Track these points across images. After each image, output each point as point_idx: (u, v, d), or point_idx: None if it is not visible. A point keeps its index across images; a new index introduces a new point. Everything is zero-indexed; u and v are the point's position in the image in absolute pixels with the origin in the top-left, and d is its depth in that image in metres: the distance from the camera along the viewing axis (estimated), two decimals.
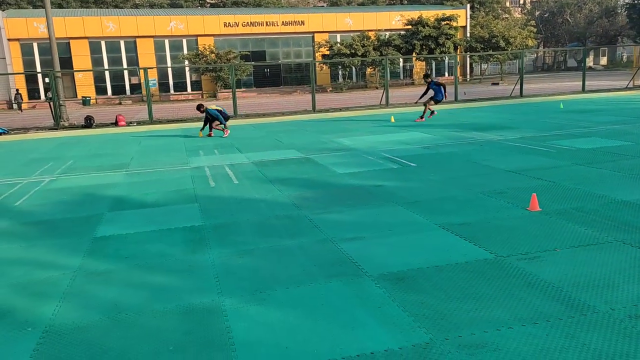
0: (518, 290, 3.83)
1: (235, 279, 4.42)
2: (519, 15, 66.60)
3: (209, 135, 15.19)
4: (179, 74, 45.86)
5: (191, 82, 46.55)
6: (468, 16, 50.87)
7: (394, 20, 49.18)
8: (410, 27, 44.60)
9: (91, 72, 42.24)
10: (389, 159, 9.82)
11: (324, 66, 46.75)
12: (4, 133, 19.60)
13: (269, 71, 48.03)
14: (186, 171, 9.72)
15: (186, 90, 46.04)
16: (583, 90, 24.81)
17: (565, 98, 22.26)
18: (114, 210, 7.03)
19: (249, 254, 5.02)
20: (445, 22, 43.63)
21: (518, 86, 25.24)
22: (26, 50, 41.82)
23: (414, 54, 43.65)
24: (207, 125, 15.18)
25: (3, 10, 44.81)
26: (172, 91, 45.25)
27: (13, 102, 37.26)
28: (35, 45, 41.93)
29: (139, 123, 21.63)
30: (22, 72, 40.08)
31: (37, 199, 7.96)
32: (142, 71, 23.27)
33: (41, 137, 18.16)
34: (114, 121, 21.33)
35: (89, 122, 21.12)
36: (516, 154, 9.46)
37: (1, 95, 41.20)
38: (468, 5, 52.27)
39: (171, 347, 3.34)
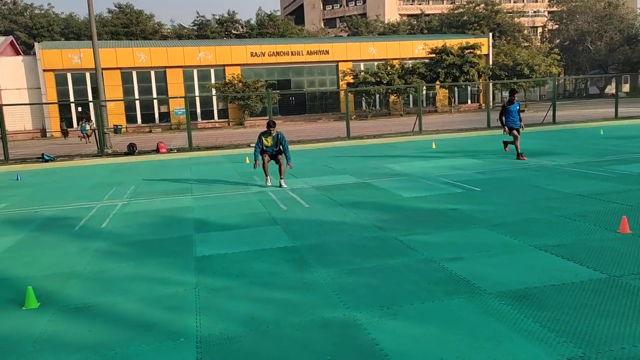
0: None
1: (355, 295, 4.62)
2: (539, 44, 67.12)
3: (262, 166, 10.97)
4: (206, 102, 46.84)
5: (218, 110, 47.48)
6: (490, 44, 51.47)
7: (417, 49, 49.97)
8: (434, 55, 45.25)
9: (122, 102, 43.37)
10: (449, 183, 10.02)
11: (350, 94, 47.36)
12: (51, 160, 20.23)
13: (293, 99, 48.87)
14: (250, 195, 10.01)
15: (213, 118, 46.93)
16: (616, 117, 24.90)
17: (600, 124, 22.35)
18: (201, 232, 7.31)
19: (356, 273, 5.23)
20: (469, 51, 44.21)
21: (550, 113, 25.43)
22: (60, 80, 43.18)
23: (437, 82, 44.17)
24: (264, 156, 10.87)
25: (39, 42, 46.45)
26: (199, 119, 46.14)
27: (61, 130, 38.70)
28: (69, 75, 43.28)
29: (178, 150, 22.16)
30: (72, 101, 41.41)
31: (120, 221, 8.28)
32: (181, 100, 23.88)
33: (88, 164, 18.70)
34: (156, 148, 21.89)
35: (131, 150, 21.71)
36: (577, 179, 9.60)
37: (36, 123, 42.44)
38: (490, 34, 52.91)
39: (328, 357, 3.54)
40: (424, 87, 48.52)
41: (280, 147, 10.81)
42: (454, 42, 46.09)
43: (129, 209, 9.24)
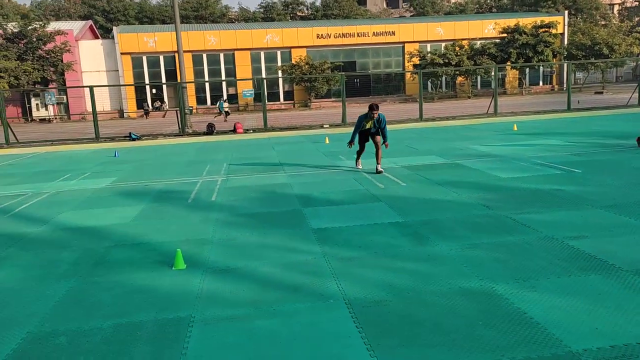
0: None
1: (485, 268, 4.76)
2: (617, 22, 63.22)
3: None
4: (272, 84, 47.53)
5: (284, 92, 48.10)
6: (566, 23, 49.07)
7: (487, 28, 48.37)
8: (505, 35, 43.71)
9: (193, 84, 44.76)
10: (544, 165, 9.87)
11: (416, 76, 46.75)
12: (137, 139, 21.37)
13: (358, 81, 48.71)
14: (343, 174, 10.27)
15: (279, 100, 47.61)
16: None
17: None
18: (308, 206, 7.63)
19: (478, 247, 5.36)
20: (543, 30, 42.38)
21: (636, 94, 24.15)
22: (136, 63, 45.06)
23: (508, 63, 42.71)
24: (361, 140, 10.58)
25: (115, 26, 48.57)
26: (265, 101, 46.90)
27: (145, 111, 40.96)
28: (144, 58, 45.08)
29: (254, 130, 22.80)
30: (158, 82, 43.37)
31: (227, 195, 8.75)
32: (249, 82, 24.39)
33: (171, 142, 19.59)
34: (233, 128, 22.64)
35: (210, 130, 22.56)
36: None
37: (114, 105, 44.65)
38: (566, 12, 50.40)
39: (480, 322, 3.72)
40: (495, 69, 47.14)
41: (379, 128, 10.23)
42: (527, 21, 44.29)
43: (230, 184, 9.73)
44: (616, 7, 71.84)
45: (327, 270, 4.94)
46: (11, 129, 21.27)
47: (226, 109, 31.98)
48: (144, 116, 40.83)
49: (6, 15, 49.12)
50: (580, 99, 32.15)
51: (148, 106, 40.66)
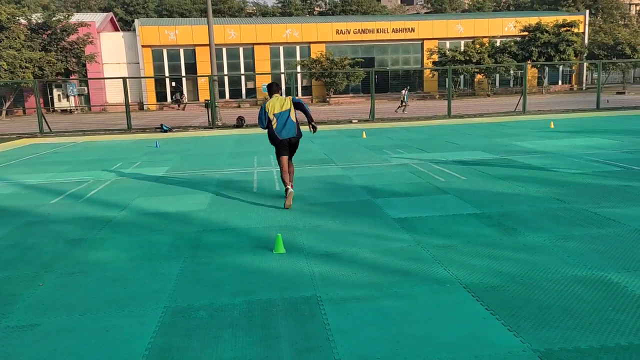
0: None
1: (588, 258, 4.84)
2: (637, 22, 62.74)
3: None
4: (290, 79, 47.61)
5: (302, 87, 48.18)
6: (587, 22, 48.77)
7: (507, 26, 48.18)
8: (526, 33, 43.56)
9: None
10: (598, 161, 9.92)
11: (435, 73, 46.72)
12: (168, 130, 21.56)
13: (377, 77, 48.68)
14: (396, 167, 10.36)
15: (297, 95, 47.70)
16: None
17: None
18: (377, 197, 7.73)
19: (571, 239, 5.44)
20: (565, 29, 42.17)
21: None
22: (156, 56, 45.28)
23: (529, 62, 42.56)
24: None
25: (135, 19, 48.79)
26: (284, 96, 47.00)
27: (172, 101, 41.78)
28: (164, 51, 45.28)
29: None
30: (183, 75, 43.67)
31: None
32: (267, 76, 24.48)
33: (204, 134, 19.74)
34: None
35: (240, 122, 22.71)
36: None
37: (134, 97, 44.91)
38: (587, 12, 50.09)
39: (609, 307, 3.82)
40: (512, 67, 46.95)
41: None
42: (548, 20, 44.08)
43: None
44: (634, 7, 71.28)
45: (428, 257, 5.05)
46: (45, 119, 21.51)
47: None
48: (177, 106, 41.78)
49: (27, 6, 49.50)
50: (610, 98, 32.08)
51: (181, 95, 41.56)
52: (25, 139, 19.59)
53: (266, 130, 7.43)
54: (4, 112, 37.99)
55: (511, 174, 9.11)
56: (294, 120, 7.35)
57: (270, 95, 7.52)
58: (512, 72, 48.41)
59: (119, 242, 5.82)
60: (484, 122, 20.53)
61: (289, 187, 7.19)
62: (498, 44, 45.13)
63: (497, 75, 47.47)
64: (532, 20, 45.10)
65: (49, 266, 5.12)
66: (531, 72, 48.55)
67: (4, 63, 34.38)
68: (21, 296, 4.41)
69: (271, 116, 7.23)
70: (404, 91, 29.87)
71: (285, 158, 7.32)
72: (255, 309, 3.99)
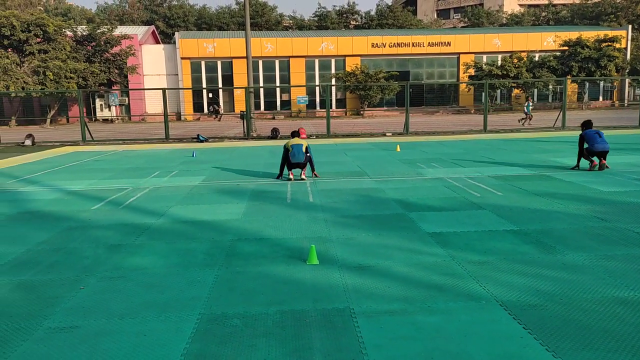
0: None
1: (632, 279, 4.68)
2: None
3: None
4: (325, 91, 47.95)
5: (336, 99, 48.43)
6: (629, 38, 47.52)
7: (546, 41, 47.42)
8: (566, 48, 42.76)
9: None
10: None
11: (471, 87, 46.28)
12: (204, 141, 21.97)
13: (411, 91, 48.54)
14: (431, 181, 10.27)
15: (331, 108, 47.93)
16: None
17: None
18: (411, 211, 7.68)
19: (612, 259, 5.27)
20: (606, 44, 41.21)
21: None
22: (195, 68, 46.37)
23: (568, 77, 41.70)
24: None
25: (176, 32, 50.15)
26: (317, 108, 47.42)
27: (209, 112, 43.01)
28: (202, 63, 46.33)
29: (317, 136, 23.04)
30: (220, 87, 44.68)
31: (323, 197, 8.90)
32: (302, 89, 24.67)
33: (239, 145, 20.02)
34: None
35: (274, 134, 22.95)
36: None
37: (172, 107, 46.00)
38: (629, 27, 48.82)
39: None
40: (550, 83, 46.07)
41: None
42: (589, 34, 43.24)
43: (321, 187, 9.89)
44: None
45: (463, 273, 4.98)
46: (87, 128, 22.26)
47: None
48: (214, 117, 42.83)
49: (73, 19, 51.52)
50: None
51: (218, 106, 42.77)
52: (68, 147, 20.29)
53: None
54: (48, 120, 39.52)
55: (550, 190, 8.91)
56: (304, 152, 10.71)
57: (292, 137, 11.18)
58: (550, 87, 47.54)
59: (156, 249, 5.96)
60: (521, 137, 20.17)
61: (292, 175, 10.77)
62: (537, 58, 44.49)
63: (536, 90, 46.68)
64: (572, 34, 44.32)
65: (90, 270, 5.28)
66: (571, 87, 47.53)
67: (50, 73, 35.81)
68: (63, 298, 4.55)
69: (289, 147, 10.70)
70: (526, 102, 28.91)
71: (291, 172, 10.84)
72: (289, 319, 4.01)
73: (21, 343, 3.74)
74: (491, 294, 4.44)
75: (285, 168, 10.92)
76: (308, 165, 11.00)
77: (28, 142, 21.35)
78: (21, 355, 3.56)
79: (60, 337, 3.81)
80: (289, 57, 46.86)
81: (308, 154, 10.81)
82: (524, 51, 45.49)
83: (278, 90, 47.52)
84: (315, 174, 11.03)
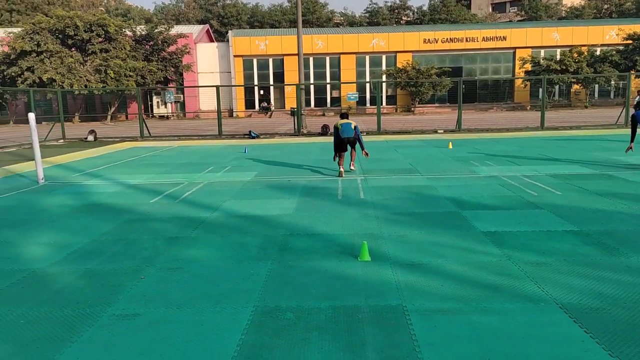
0: None
1: None
2: None
3: None
4: (375, 88, 47.64)
5: (387, 96, 48.02)
6: None
7: (609, 34, 45.17)
8: (631, 42, 40.59)
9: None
10: None
11: (527, 83, 44.79)
12: (256, 137, 22.32)
13: (464, 87, 47.44)
14: (485, 179, 10.03)
15: (381, 104, 47.56)
16: None
17: None
18: (464, 209, 7.53)
19: None
20: None
21: None
22: (247, 65, 47.12)
23: (632, 71, 39.58)
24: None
25: (229, 30, 51.12)
26: (368, 104, 47.21)
27: (260, 109, 44.03)
28: (254, 60, 47.03)
29: (368, 133, 22.94)
30: (271, 84, 45.45)
31: (374, 194, 8.87)
32: (353, 85, 24.52)
33: (290, 141, 20.21)
34: None
35: (324, 131, 23.03)
36: None
37: (224, 104, 47.00)
38: None
39: None
40: (612, 78, 43.91)
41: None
42: None
43: (372, 184, 9.85)
44: None
45: (520, 273, 4.85)
46: (146, 125, 23.08)
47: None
48: (266, 114, 43.54)
49: (132, 19, 53.48)
50: None
51: (269, 103, 43.53)
52: (127, 142, 21.12)
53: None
54: (109, 117, 41.26)
55: (612, 190, 8.52)
56: (353, 129, 10.84)
57: (342, 118, 11.30)
58: (613, 82, 45.28)
59: (211, 242, 6.12)
60: (580, 134, 19.37)
61: (342, 169, 10.96)
62: (598, 52, 42.49)
63: (597, 85, 44.60)
64: (637, 28, 42.02)
65: (150, 261, 5.49)
66: (635, 83, 45.11)
67: (111, 72, 37.35)
68: (125, 287, 4.76)
69: (339, 125, 10.97)
70: (638, 97, 27.15)
71: (343, 154, 11.07)
72: (341, 314, 4.03)
73: (87, 329, 3.94)
74: (550, 295, 4.30)
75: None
76: (356, 154, 11.43)
77: (90, 138, 22.37)
78: (87, 341, 3.75)
79: (123, 324, 3.99)
80: (340, 53, 46.82)
81: (357, 133, 10.90)
82: (584, 45, 43.51)
83: (328, 87, 47.60)
84: (365, 152, 10.92)
